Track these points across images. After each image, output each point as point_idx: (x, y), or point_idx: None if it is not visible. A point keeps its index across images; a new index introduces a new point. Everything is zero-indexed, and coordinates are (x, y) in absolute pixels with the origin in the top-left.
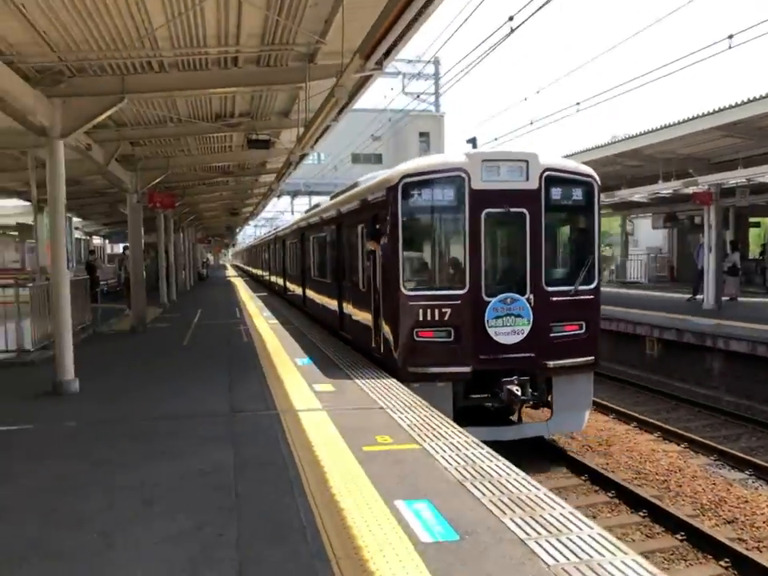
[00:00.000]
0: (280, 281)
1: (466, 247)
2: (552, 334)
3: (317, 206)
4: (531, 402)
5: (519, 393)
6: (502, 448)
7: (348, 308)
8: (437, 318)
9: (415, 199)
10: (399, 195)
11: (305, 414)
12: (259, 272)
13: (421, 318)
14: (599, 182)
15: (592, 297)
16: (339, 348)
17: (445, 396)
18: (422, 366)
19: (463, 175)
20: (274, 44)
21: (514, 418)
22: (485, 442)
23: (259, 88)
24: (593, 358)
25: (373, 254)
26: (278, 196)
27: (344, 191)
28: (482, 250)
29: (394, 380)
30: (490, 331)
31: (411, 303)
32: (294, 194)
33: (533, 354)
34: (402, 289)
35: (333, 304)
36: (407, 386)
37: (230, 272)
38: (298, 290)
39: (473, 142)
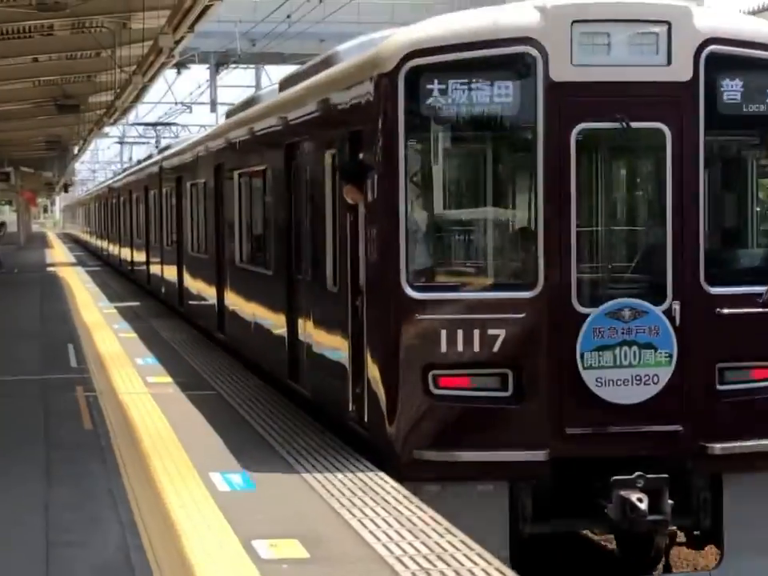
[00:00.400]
0: (150, 268)
1: (538, 203)
2: (721, 386)
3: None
4: (676, 529)
5: (646, 507)
6: None
7: (304, 331)
8: (477, 348)
9: (432, 102)
10: (401, 92)
11: None
12: (107, 245)
13: (444, 349)
14: None
15: None
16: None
17: (493, 513)
18: (445, 448)
19: (533, 52)
20: None
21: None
22: None
23: None
24: None
25: (349, 215)
26: (180, 66)
27: (289, 81)
28: (572, 211)
29: (387, 479)
30: (587, 377)
31: (423, 317)
32: (222, 64)
33: (680, 428)
34: (405, 287)
35: (272, 321)
36: (415, 490)
37: (59, 251)
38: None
39: None
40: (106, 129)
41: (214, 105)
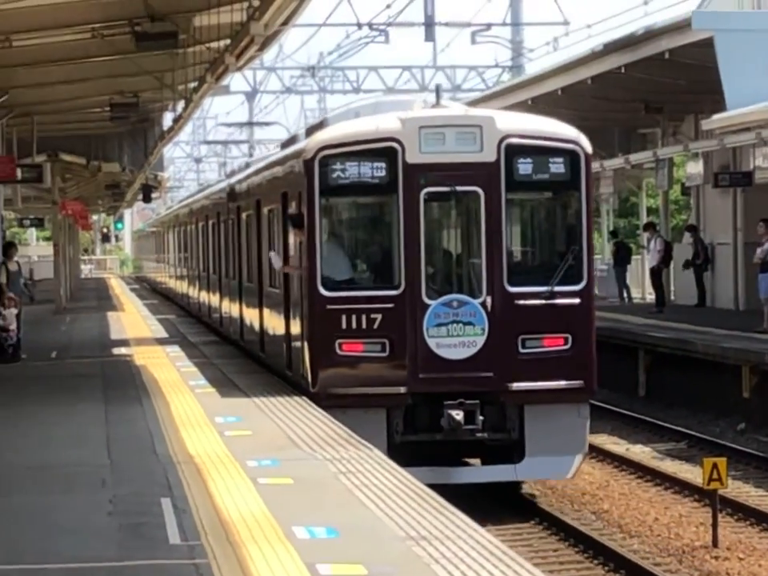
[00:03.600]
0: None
1: (401, 236)
2: (522, 350)
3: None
4: (486, 436)
5: (462, 419)
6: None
7: (265, 321)
8: (364, 326)
9: (335, 176)
10: (316, 171)
11: None
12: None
13: (344, 326)
14: (589, 149)
15: (579, 301)
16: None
17: (376, 427)
18: (346, 386)
19: (396, 146)
20: None
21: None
22: (431, 487)
23: None
24: (581, 382)
25: (288, 244)
26: None
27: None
28: (422, 240)
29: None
30: (431, 342)
31: (331, 307)
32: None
33: (490, 374)
34: (320, 289)
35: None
36: (329, 414)
37: (133, 315)
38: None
39: (436, 90)
40: (230, 79)
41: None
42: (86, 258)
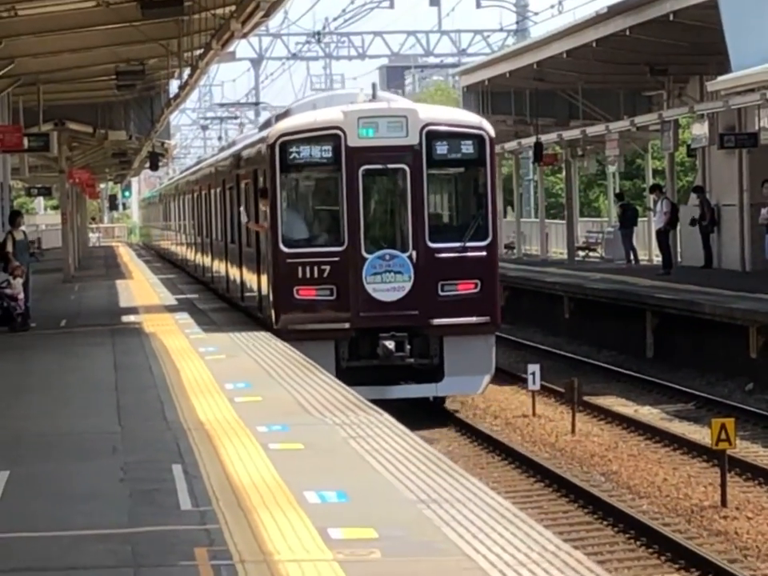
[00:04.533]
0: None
1: (344, 205)
2: (441, 292)
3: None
4: (413, 361)
5: (393, 349)
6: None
7: (242, 273)
8: (316, 275)
9: (292, 157)
10: (277, 153)
11: None
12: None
13: (300, 276)
14: (492, 133)
15: (485, 254)
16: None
17: (326, 355)
18: (302, 323)
19: (339, 133)
20: None
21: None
22: (372, 402)
23: None
24: (488, 317)
25: (259, 211)
26: None
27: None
28: (360, 207)
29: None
30: (369, 288)
31: (290, 261)
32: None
33: (416, 312)
34: (281, 246)
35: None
36: (290, 345)
37: (141, 282)
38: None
39: (373, 87)
40: (235, 45)
41: None
42: (93, 226)
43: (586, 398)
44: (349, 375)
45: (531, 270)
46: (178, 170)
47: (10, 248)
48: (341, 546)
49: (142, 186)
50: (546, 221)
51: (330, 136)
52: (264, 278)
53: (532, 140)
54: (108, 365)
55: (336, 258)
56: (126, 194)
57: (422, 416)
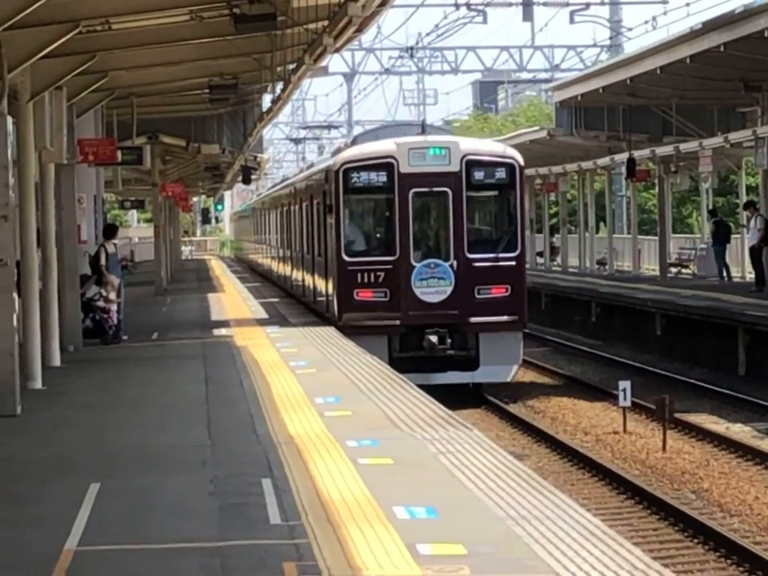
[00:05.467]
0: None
1: (396, 221)
2: (478, 296)
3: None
4: (453, 353)
5: (436, 343)
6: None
7: (314, 279)
8: (372, 280)
9: (354, 181)
10: (341, 177)
11: None
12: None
13: (359, 281)
14: (521, 162)
15: (515, 263)
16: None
17: (380, 347)
18: (360, 320)
19: (393, 161)
20: None
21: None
22: (419, 386)
23: None
24: (517, 317)
25: (328, 225)
26: None
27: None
28: (410, 223)
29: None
30: (416, 291)
31: (350, 268)
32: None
33: (456, 312)
34: (344, 256)
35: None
36: (350, 338)
37: (233, 296)
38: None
39: (422, 123)
40: (328, 60)
41: None
42: (186, 239)
43: (677, 415)
44: (399, 364)
45: (623, 286)
46: (270, 184)
47: (103, 261)
48: (429, 562)
49: (234, 199)
50: (639, 237)
51: (385, 164)
52: (330, 283)
53: (625, 156)
54: (199, 378)
55: (389, 266)
56: (219, 207)
57: (513, 432)
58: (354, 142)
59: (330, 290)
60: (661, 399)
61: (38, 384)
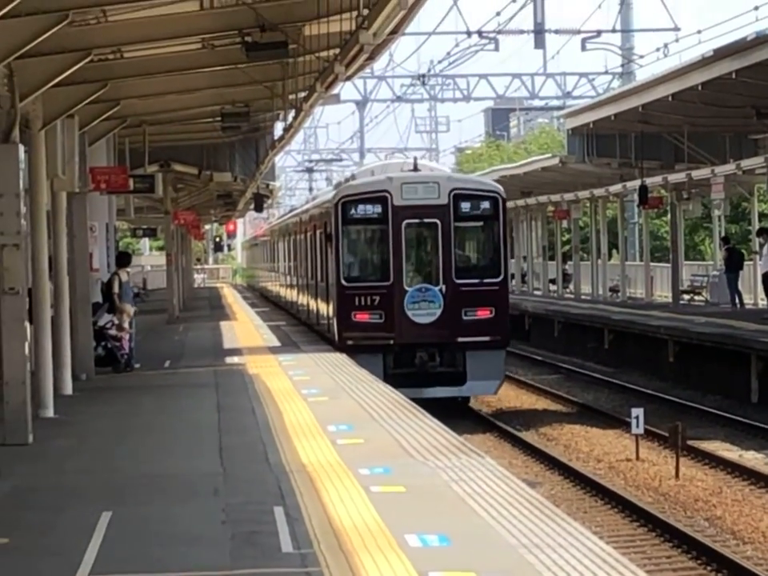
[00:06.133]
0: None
1: (390, 250)
2: (465, 317)
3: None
4: (442, 369)
5: (428, 359)
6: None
7: (317, 302)
8: (369, 303)
9: (351, 213)
10: (339, 210)
11: None
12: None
13: (356, 304)
14: (504, 195)
15: (498, 288)
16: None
17: (376, 364)
18: (357, 339)
19: (387, 195)
20: None
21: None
22: (412, 400)
23: None
24: (500, 336)
25: (328, 253)
26: None
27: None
28: (403, 252)
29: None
30: (409, 313)
31: (348, 292)
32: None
33: (445, 332)
34: (342, 281)
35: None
36: (347, 355)
37: (246, 324)
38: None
39: (414, 160)
40: (340, 88)
41: None
42: (198, 267)
43: (690, 443)
44: (393, 379)
45: (635, 313)
46: (282, 212)
47: (116, 289)
48: None
49: (247, 227)
50: (651, 264)
51: (380, 198)
52: (330, 306)
53: (637, 183)
54: (211, 406)
55: (384, 291)
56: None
57: (526, 460)
58: (353, 177)
59: (331, 313)
60: (674, 426)
61: (50, 412)
